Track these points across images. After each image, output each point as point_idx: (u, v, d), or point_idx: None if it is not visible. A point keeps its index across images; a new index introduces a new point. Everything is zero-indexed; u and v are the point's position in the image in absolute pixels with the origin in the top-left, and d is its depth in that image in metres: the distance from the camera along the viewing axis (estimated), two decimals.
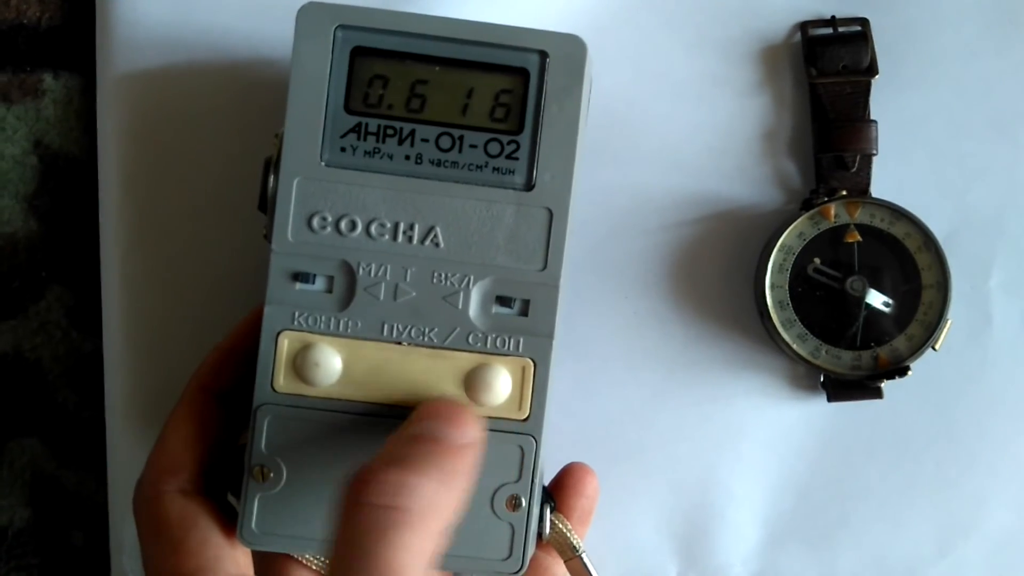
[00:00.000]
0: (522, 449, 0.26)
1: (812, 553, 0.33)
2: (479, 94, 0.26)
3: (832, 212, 0.32)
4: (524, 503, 0.26)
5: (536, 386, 0.26)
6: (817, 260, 0.32)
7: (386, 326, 0.25)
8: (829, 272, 0.32)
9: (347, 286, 0.26)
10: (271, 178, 0.26)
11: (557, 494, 0.30)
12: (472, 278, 0.26)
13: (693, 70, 0.33)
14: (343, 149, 0.26)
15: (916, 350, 0.31)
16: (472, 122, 0.26)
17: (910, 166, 0.33)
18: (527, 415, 0.26)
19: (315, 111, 0.25)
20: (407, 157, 0.26)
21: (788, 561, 0.33)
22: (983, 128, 0.33)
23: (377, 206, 0.25)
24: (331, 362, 0.25)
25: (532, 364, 0.26)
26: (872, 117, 0.32)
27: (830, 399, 0.33)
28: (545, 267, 0.26)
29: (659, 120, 0.33)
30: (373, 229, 0.26)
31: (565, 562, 0.28)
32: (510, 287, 0.26)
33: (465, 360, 0.26)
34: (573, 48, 0.25)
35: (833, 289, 0.32)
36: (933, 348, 0.32)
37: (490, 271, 0.26)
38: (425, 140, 0.25)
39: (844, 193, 0.32)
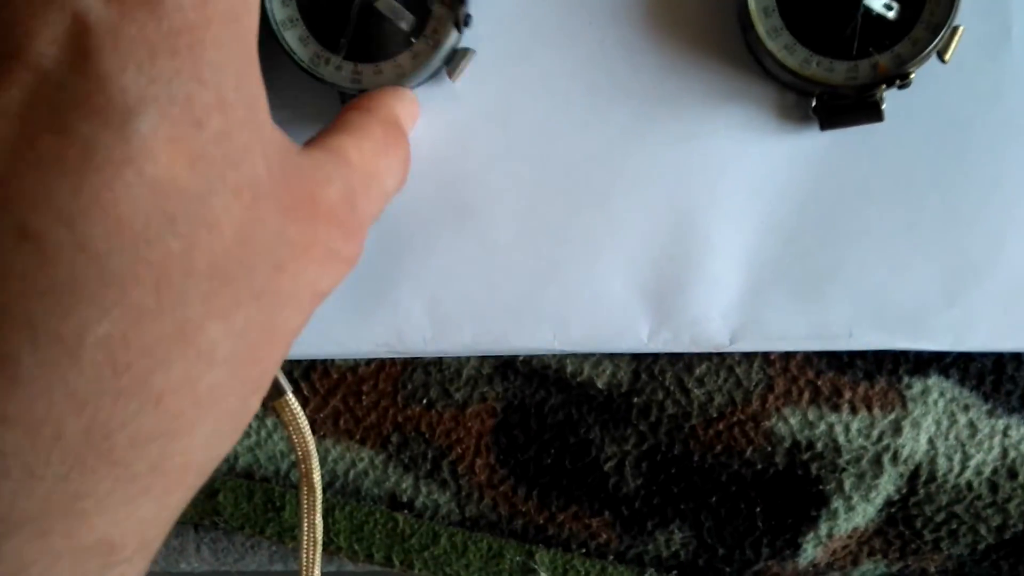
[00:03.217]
0: None
1: (801, 303, 0.30)
2: None
3: None
4: None
5: None
6: None
7: None
8: None
9: None
10: None
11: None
12: None
13: None
14: None
15: (920, 55, 0.27)
16: None
17: None
18: None
19: None
20: None
21: (773, 313, 0.30)
22: None
23: None
24: None
25: None
26: None
27: (823, 126, 0.29)
28: None
29: None
30: None
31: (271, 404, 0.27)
32: None
33: None
34: None
35: None
36: (942, 59, 0.27)
37: None
38: None
39: None
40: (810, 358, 0.31)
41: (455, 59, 0.29)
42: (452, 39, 0.28)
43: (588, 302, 0.30)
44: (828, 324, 0.30)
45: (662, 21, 0.29)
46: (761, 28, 0.28)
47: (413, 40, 0.28)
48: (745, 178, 0.30)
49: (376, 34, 0.28)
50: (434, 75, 0.29)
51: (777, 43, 0.28)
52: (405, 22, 0.28)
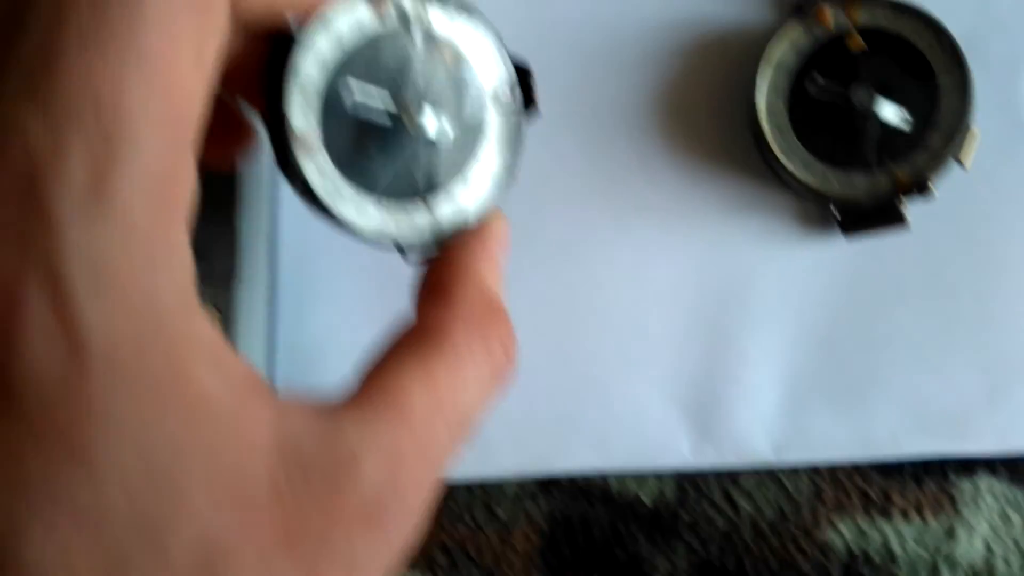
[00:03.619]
0: None
1: (843, 412, 0.30)
2: None
3: (829, 16, 0.28)
4: None
5: None
6: (817, 76, 0.28)
7: None
8: (832, 87, 0.28)
9: None
10: None
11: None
12: None
13: None
14: None
15: (938, 163, 0.28)
16: None
17: None
18: None
19: None
20: None
21: (816, 423, 0.30)
22: None
23: None
24: None
25: None
26: None
27: (847, 234, 0.29)
28: None
29: None
30: None
31: None
32: None
33: None
34: None
35: (838, 107, 0.28)
36: (960, 163, 0.28)
37: None
38: None
39: None
40: (857, 466, 0.30)
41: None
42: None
43: (628, 420, 0.31)
44: (872, 432, 0.29)
45: (678, 139, 0.30)
46: (776, 146, 0.28)
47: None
48: (774, 287, 0.30)
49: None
50: None
51: (793, 160, 0.28)
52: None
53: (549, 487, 0.32)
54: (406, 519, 0.17)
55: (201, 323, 0.15)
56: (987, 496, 0.30)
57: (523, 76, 0.22)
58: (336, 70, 0.20)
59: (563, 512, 0.32)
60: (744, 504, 0.31)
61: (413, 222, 0.21)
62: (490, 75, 0.22)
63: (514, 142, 0.22)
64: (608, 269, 0.30)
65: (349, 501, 0.15)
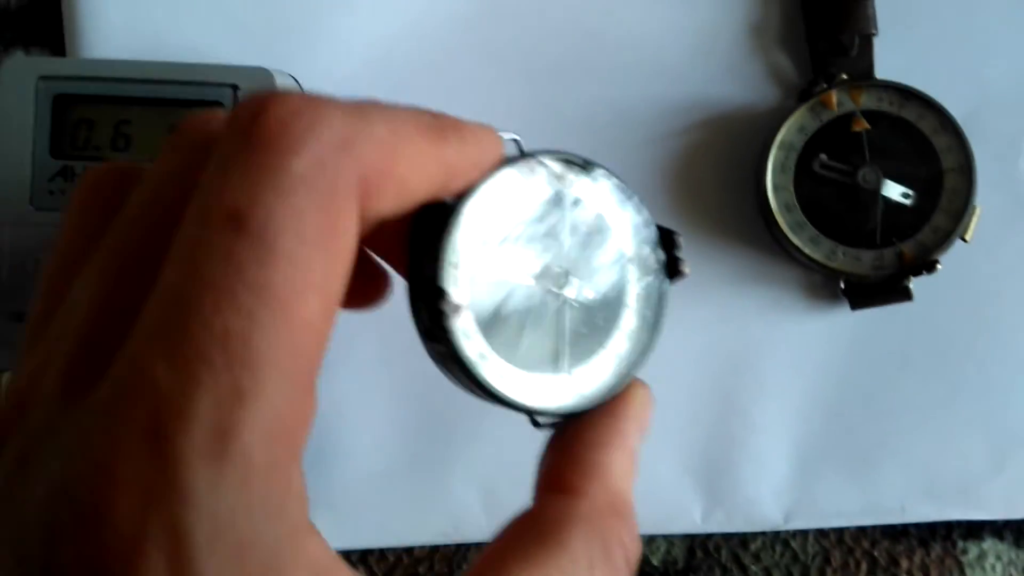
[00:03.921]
0: None
1: (851, 479, 0.30)
2: None
3: (834, 100, 0.29)
4: None
5: None
6: (823, 156, 0.29)
7: None
8: (837, 166, 0.29)
9: None
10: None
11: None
12: None
13: None
14: (51, 192, 0.27)
15: (943, 242, 0.28)
16: None
17: (916, 45, 0.30)
18: None
19: (22, 160, 0.27)
20: None
21: (825, 490, 0.30)
22: None
23: None
24: None
25: None
26: None
27: (853, 307, 0.30)
28: None
29: (636, 26, 0.31)
30: None
31: None
32: None
33: None
34: (261, 79, 0.27)
35: (844, 184, 0.29)
36: (963, 239, 0.29)
37: None
38: None
39: (845, 77, 0.29)
40: (864, 528, 0.31)
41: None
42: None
43: (640, 486, 0.31)
44: (880, 499, 0.30)
45: (688, 215, 0.31)
46: (784, 224, 0.29)
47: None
48: (781, 357, 0.31)
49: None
50: None
51: (801, 237, 0.29)
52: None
53: None
54: None
55: (314, 550, 0.15)
56: (992, 558, 0.30)
57: (667, 239, 0.21)
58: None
59: None
60: (753, 566, 0.32)
61: (550, 390, 0.20)
62: (631, 238, 0.21)
63: (656, 307, 0.21)
64: None
65: None
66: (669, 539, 0.32)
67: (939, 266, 0.28)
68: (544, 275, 0.20)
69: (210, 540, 0.13)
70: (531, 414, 0.20)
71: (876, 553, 0.31)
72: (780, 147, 0.29)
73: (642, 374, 0.31)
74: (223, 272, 0.14)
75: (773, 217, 0.29)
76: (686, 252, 0.31)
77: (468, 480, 0.32)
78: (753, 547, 0.32)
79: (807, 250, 0.29)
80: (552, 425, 0.21)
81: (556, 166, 0.20)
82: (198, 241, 0.14)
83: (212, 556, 0.13)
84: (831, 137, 0.29)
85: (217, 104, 0.27)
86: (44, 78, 0.27)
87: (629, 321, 0.21)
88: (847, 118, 0.29)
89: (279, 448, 0.14)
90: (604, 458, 0.19)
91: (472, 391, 0.20)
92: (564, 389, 0.20)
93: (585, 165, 0.20)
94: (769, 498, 0.31)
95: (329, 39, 0.31)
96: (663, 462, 0.31)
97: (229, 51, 0.30)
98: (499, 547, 0.17)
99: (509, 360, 0.20)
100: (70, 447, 0.13)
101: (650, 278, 0.21)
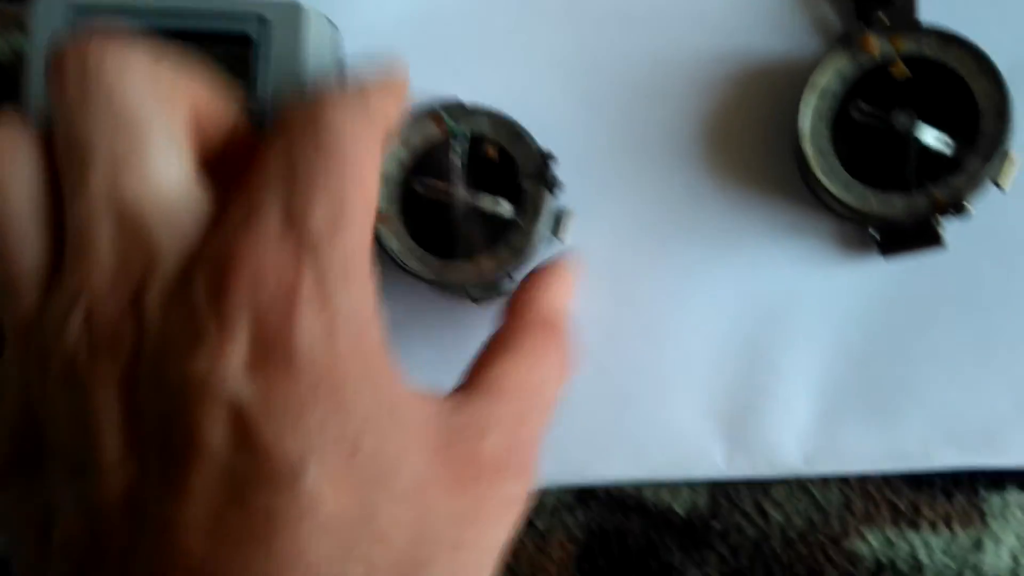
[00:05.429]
0: None
1: (875, 425, 0.30)
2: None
3: (874, 44, 0.29)
4: None
5: None
6: (861, 102, 0.29)
7: None
8: (874, 112, 0.29)
9: None
10: None
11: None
12: None
13: None
14: None
15: (976, 185, 0.28)
16: None
17: None
18: None
19: None
20: None
21: (848, 435, 0.30)
22: None
23: None
24: None
25: None
26: None
27: (884, 253, 0.30)
28: None
29: None
30: None
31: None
32: None
33: None
34: (291, 14, 0.27)
35: (879, 129, 0.29)
36: (997, 185, 0.28)
37: None
38: None
39: (887, 23, 0.29)
40: (887, 477, 0.31)
41: (560, 221, 0.30)
42: (550, 205, 0.30)
43: (664, 431, 0.31)
44: (904, 445, 0.30)
45: (723, 165, 0.31)
46: (817, 168, 0.29)
47: (519, 221, 0.30)
48: (811, 307, 0.31)
49: (473, 230, 0.30)
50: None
51: (834, 181, 0.29)
52: (505, 210, 0.29)
53: (586, 499, 0.33)
54: (525, 470, 0.23)
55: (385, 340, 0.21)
56: (1016, 510, 0.31)
57: (546, 159, 0.29)
58: (411, 168, 0.30)
59: (599, 523, 0.33)
60: (774, 514, 0.32)
61: (479, 271, 0.29)
62: (526, 160, 0.29)
63: (552, 208, 0.30)
64: (650, 287, 0.31)
65: (485, 458, 0.21)
66: (693, 489, 0.32)
67: (970, 208, 0.28)
68: (459, 192, 0.29)
69: (343, 283, 0.20)
70: (467, 292, 0.30)
71: (898, 502, 0.31)
72: (817, 92, 0.29)
73: (672, 322, 0.31)
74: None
75: (807, 162, 0.29)
76: (721, 203, 0.32)
77: None
78: (775, 495, 0.32)
79: (839, 194, 0.29)
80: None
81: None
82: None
83: (346, 294, 0.20)
84: (870, 85, 0.29)
85: (244, 37, 0.27)
86: (75, 7, 0.27)
87: (533, 217, 0.30)
88: (885, 65, 0.29)
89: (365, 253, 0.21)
90: (542, 295, 0.27)
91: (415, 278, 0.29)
92: (490, 269, 0.30)
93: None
94: (792, 443, 0.31)
95: None
96: (687, 406, 0.31)
97: None
98: (486, 353, 0.24)
99: (435, 254, 0.30)
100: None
101: (542, 188, 0.29)
